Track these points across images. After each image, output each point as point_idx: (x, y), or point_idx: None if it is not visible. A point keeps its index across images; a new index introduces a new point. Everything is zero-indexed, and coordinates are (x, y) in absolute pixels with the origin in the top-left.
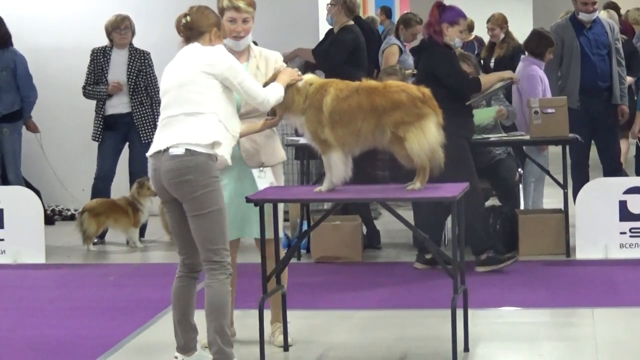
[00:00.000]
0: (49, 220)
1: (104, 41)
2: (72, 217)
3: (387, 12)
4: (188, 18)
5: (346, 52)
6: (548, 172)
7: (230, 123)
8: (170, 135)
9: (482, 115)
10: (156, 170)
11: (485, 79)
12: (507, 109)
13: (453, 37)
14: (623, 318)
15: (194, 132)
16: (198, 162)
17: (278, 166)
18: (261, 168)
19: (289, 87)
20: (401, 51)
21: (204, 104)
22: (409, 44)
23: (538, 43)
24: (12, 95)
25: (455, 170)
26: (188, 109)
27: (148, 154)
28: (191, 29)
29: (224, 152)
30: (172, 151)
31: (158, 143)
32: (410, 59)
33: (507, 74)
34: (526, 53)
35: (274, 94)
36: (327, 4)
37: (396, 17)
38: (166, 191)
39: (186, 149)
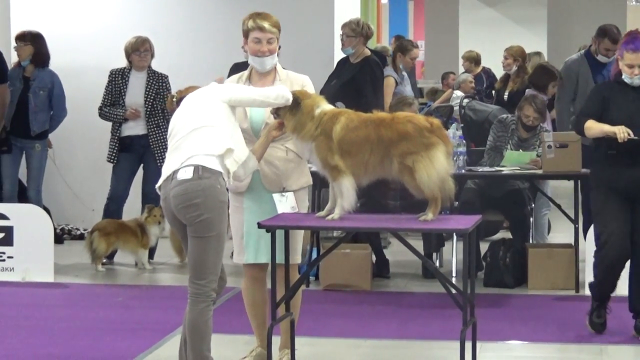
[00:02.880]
0: (58, 239)
1: (119, 61)
2: (81, 237)
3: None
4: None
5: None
6: (559, 207)
7: (236, 147)
8: (179, 157)
9: (515, 159)
10: (166, 199)
11: None
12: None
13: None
14: (633, 355)
15: (204, 143)
16: (206, 186)
17: (302, 191)
18: (282, 193)
19: (304, 112)
20: (396, 83)
21: (214, 119)
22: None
23: (541, 77)
24: (45, 114)
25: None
26: (197, 124)
27: (157, 184)
28: None
29: (232, 168)
30: (180, 175)
31: (166, 169)
32: (408, 88)
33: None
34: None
35: (279, 90)
36: (342, 34)
37: None
38: (177, 219)
39: (194, 172)
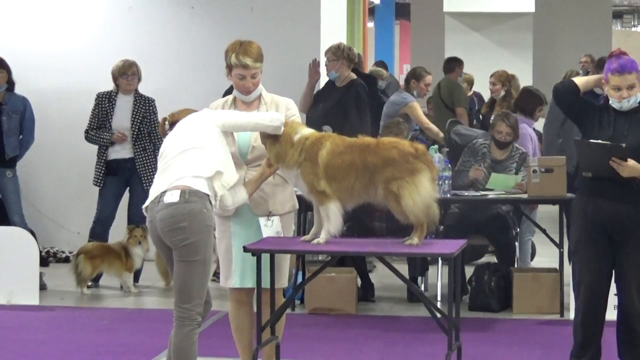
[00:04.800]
0: (43, 261)
1: (104, 84)
2: (66, 260)
3: (384, 67)
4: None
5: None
6: (544, 231)
7: (225, 171)
8: (167, 178)
9: (500, 182)
10: (152, 221)
11: None
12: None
13: None
14: None
15: (193, 165)
16: (193, 210)
17: (288, 215)
18: (268, 217)
19: (283, 141)
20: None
21: (204, 141)
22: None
23: (528, 101)
24: (16, 138)
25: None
26: (187, 146)
27: (144, 205)
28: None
29: (220, 191)
30: (167, 198)
31: (154, 190)
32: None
33: None
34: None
35: (272, 113)
36: (326, 61)
37: (394, 71)
38: (164, 243)
39: (181, 195)
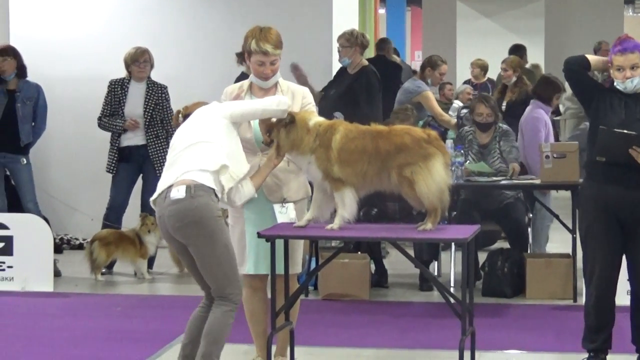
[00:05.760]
0: (57, 248)
1: (116, 71)
2: (80, 247)
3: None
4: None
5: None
6: (557, 217)
7: (234, 163)
8: (174, 172)
9: (481, 166)
10: (161, 217)
11: None
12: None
13: None
14: None
15: (199, 159)
16: (200, 204)
17: (301, 202)
18: (283, 204)
19: (299, 127)
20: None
21: (211, 135)
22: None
23: (545, 88)
24: (30, 125)
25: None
26: (194, 140)
27: (151, 198)
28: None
29: (227, 184)
30: (173, 194)
31: (161, 184)
32: None
33: None
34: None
35: (278, 97)
36: (338, 46)
37: (406, 57)
38: (174, 238)
39: (187, 191)
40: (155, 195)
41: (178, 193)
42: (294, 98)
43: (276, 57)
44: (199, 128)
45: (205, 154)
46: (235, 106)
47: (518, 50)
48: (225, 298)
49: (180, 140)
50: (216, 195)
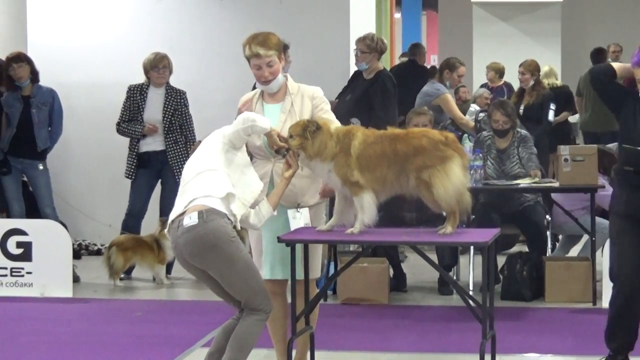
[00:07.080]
0: (76, 254)
1: (134, 76)
2: (98, 252)
3: None
4: None
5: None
6: (576, 220)
7: (241, 190)
8: (183, 201)
9: None
10: (176, 246)
11: None
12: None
13: None
14: None
15: (206, 186)
16: (214, 227)
17: (319, 206)
18: (297, 209)
19: (325, 132)
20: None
21: (215, 163)
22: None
23: (601, 162)
24: (47, 130)
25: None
26: (200, 168)
27: (166, 230)
28: None
29: (239, 211)
30: (186, 222)
31: (172, 213)
32: None
33: None
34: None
35: (241, 116)
36: (356, 50)
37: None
38: (190, 264)
39: (199, 216)
40: (167, 225)
41: (191, 220)
42: (302, 101)
43: (271, 59)
44: (203, 157)
45: (211, 181)
46: (227, 131)
47: (600, 54)
48: (256, 309)
49: (189, 170)
50: (228, 218)
